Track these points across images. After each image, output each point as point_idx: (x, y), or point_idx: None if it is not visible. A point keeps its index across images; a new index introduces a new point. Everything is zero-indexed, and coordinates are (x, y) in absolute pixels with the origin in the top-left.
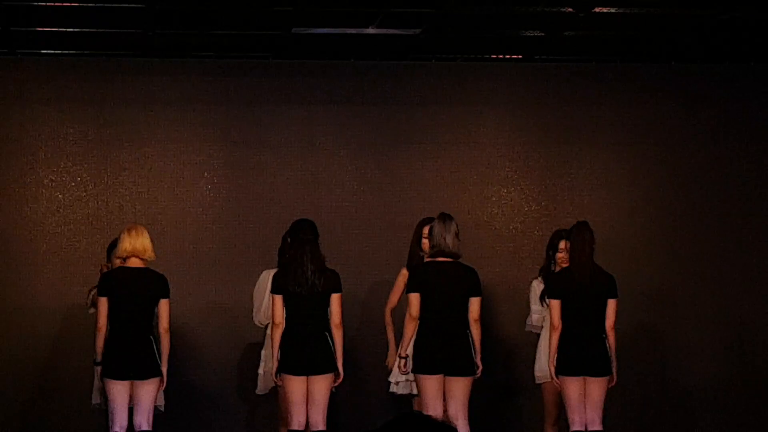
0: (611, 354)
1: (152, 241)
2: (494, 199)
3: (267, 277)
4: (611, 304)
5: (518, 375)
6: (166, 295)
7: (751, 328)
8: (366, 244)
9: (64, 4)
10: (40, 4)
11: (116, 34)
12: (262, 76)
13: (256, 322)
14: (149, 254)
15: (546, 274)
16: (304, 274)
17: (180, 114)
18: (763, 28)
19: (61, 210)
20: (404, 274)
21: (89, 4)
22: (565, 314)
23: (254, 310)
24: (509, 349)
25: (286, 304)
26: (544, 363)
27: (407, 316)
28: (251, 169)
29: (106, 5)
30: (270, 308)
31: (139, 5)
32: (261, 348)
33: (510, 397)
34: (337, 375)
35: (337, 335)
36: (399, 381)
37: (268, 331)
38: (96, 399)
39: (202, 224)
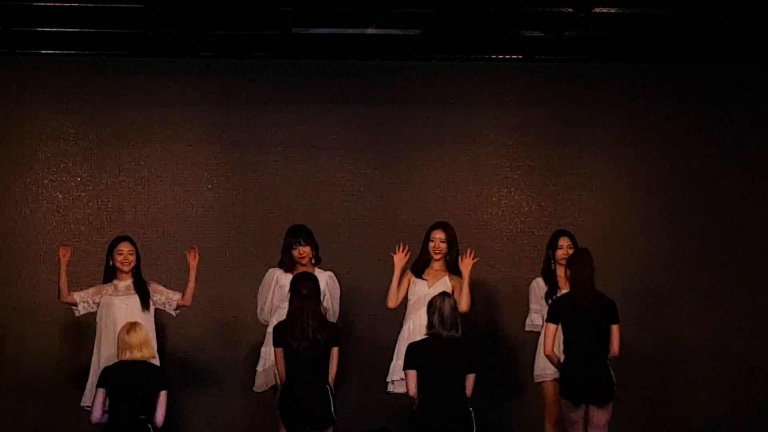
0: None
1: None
2: (494, 199)
3: (272, 275)
4: (614, 329)
5: (518, 375)
6: (166, 387)
7: (752, 326)
8: (366, 244)
9: (64, 4)
10: (40, 4)
11: (116, 34)
12: (262, 76)
13: (261, 320)
14: (148, 351)
15: (546, 273)
16: (304, 330)
17: (180, 114)
18: (763, 28)
19: (61, 210)
20: (408, 275)
21: (89, 4)
22: (567, 340)
23: (258, 308)
24: (509, 349)
25: (288, 357)
26: (543, 362)
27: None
28: (251, 169)
29: (106, 5)
30: (268, 308)
31: (139, 5)
32: (261, 346)
33: (510, 397)
34: (335, 424)
35: (332, 384)
36: (394, 380)
37: (269, 329)
38: (86, 401)
39: (202, 224)
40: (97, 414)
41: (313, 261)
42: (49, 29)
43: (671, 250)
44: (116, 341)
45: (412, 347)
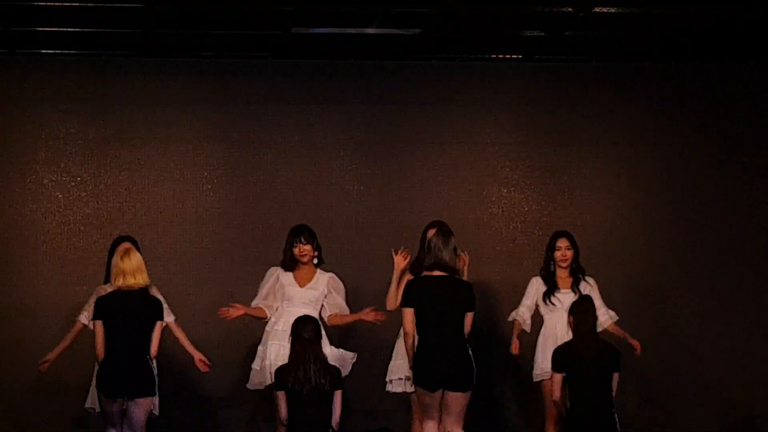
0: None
1: (145, 258)
2: (494, 199)
3: (272, 272)
4: (614, 377)
5: (518, 375)
6: (161, 318)
7: (752, 326)
8: (366, 244)
9: (64, 4)
10: (40, 4)
11: (116, 34)
12: (262, 76)
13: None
14: (142, 278)
15: (546, 274)
16: (306, 374)
17: (180, 114)
18: (763, 28)
19: (61, 210)
20: (407, 276)
21: (89, 4)
22: (572, 389)
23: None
24: (509, 349)
25: (290, 400)
26: (542, 362)
27: (402, 330)
28: (251, 169)
29: (106, 5)
30: (258, 300)
31: (139, 5)
32: (259, 345)
33: (510, 397)
34: None
35: (335, 427)
36: (392, 379)
37: (268, 328)
38: (89, 403)
39: (202, 224)
40: (101, 351)
41: (315, 262)
42: (49, 29)
43: (671, 250)
44: (112, 266)
45: (411, 284)
